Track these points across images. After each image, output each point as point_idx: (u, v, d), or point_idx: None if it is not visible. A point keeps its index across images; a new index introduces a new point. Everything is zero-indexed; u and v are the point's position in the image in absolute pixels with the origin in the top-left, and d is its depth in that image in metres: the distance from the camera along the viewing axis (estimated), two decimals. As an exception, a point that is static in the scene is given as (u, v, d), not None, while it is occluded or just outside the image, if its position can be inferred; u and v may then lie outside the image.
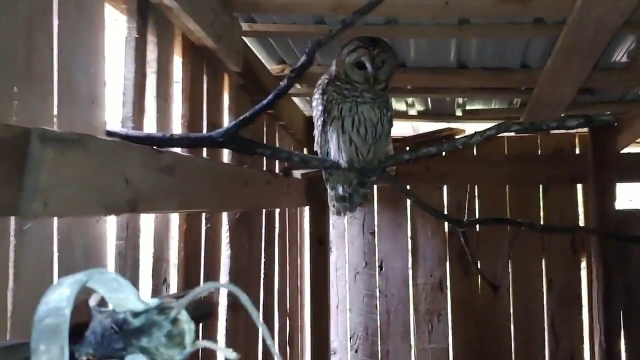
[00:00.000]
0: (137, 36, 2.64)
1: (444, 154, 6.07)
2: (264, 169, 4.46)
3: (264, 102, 2.34)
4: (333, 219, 6.27)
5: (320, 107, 2.64)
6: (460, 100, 5.35)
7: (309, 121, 6.02)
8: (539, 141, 6.15)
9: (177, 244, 3.08)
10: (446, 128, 6.06)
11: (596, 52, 3.54)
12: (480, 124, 5.90)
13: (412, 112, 5.76)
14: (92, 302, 0.70)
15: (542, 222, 6.07)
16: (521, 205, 6.06)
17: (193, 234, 3.13)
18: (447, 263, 6.14)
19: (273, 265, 4.72)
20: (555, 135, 6.11)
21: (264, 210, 4.45)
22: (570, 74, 3.90)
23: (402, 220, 6.23)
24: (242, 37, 3.82)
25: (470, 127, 6.14)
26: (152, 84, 2.82)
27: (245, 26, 3.69)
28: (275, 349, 0.77)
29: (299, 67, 2.33)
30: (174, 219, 3.03)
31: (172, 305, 0.68)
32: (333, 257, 6.24)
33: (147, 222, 2.76)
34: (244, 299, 0.73)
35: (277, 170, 4.68)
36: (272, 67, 4.53)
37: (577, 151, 6.16)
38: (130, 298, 0.68)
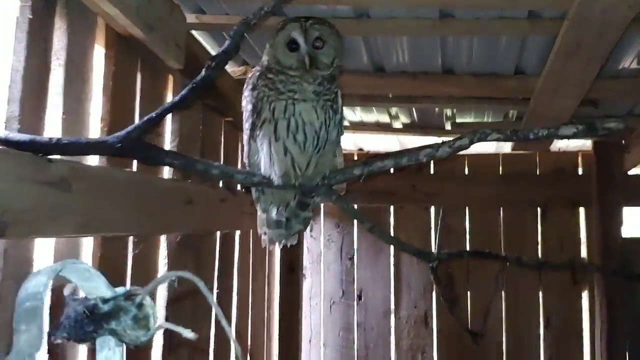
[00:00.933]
0: (30, 17, 2.17)
1: (431, 170, 5.62)
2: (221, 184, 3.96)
3: (176, 99, 1.87)
4: (307, 241, 5.78)
5: (249, 107, 2.16)
6: (449, 112, 4.91)
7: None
8: (537, 159, 5.68)
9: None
10: (435, 143, 5.53)
11: (601, 54, 3.08)
12: (472, 139, 5.44)
13: (397, 124, 5.34)
14: (66, 291, 0.79)
15: (539, 249, 5.58)
16: (516, 229, 5.58)
17: (112, 262, 2.63)
18: (434, 293, 5.62)
19: (230, 298, 4.21)
20: (556, 152, 5.64)
21: (218, 233, 3.94)
22: (571, 82, 3.45)
23: (384, 244, 5.72)
24: (191, 31, 3.35)
25: (461, 143, 5.69)
26: (59, 79, 2.35)
27: (192, 17, 3.22)
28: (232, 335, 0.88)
29: (220, 55, 1.85)
30: (87, 243, 2.54)
31: (138, 292, 0.78)
32: (307, 285, 5.74)
33: (47, 247, 2.29)
34: (201, 285, 0.84)
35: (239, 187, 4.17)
36: (234, 69, 4.06)
37: (580, 171, 5.67)
38: (100, 286, 0.78)
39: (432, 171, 5.74)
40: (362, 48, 3.61)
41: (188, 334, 0.78)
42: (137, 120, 2.94)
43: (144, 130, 1.85)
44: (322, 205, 5.87)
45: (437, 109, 4.92)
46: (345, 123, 5.37)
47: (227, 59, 1.85)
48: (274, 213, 2.33)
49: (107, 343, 0.77)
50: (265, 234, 2.40)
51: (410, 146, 5.86)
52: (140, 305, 0.77)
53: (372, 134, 5.64)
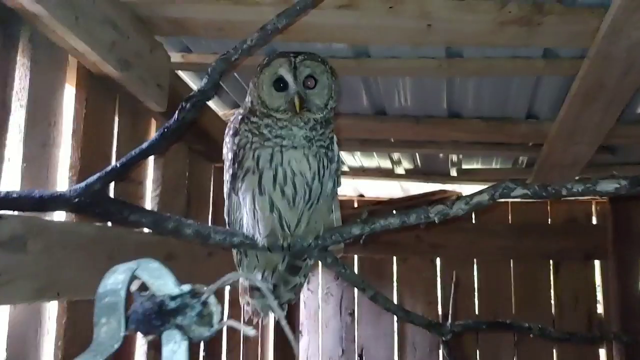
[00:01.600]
0: (-16, 53, 1.95)
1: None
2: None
3: (145, 145, 1.61)
4: (304, 295, 5.46)
5: (230, 155, 1.89)
6: (455, 158, 4.66)
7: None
8: (548, 208, 5.41)
9: (54, 343, 2.30)
10: (439, 190, 5.43)
11: (624, 97, 2.85)
12: (480, 186, 5.18)
13: (399, 170, 5.11)
14: (134, 287, 0.83)
15: (553, 304, 5.26)
16: (528, 283, 5.29)
17: (80, 327, 2.34)
18: (440, 352, 5.28)
19: (219, 356, 3.89)
20: (568, 201, 5.37)
21: (204, 289, 3.64)
22: (589, 127, 3.21)
23: (388, 296, 5.38)
24: (177, 71, 3.13)
25: (468, 190, 5.44)
26: (19, 122, 2.11)
27: (177, 57, 2.99)
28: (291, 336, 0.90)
29: (196, 95, 1.60)
30: (51, 307, 2.27)
31: (203, 291, 0.82)
32: (303, 343, 5.41)
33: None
34: (263, 287, 0.95)
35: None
36: (224, 111, 3.83)
37: (594, 221, 5.40)
38: (168, 284, 0.83)
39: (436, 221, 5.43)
40: (361, 89, 3.39)
41: (249, 331, 0.85)
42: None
43: (106, 182, 1.59)
44: (320, 256, 5.55)
45: (441, 155, 4.68)
46: (345, 168, 5.15)
47: (204, 99, 1.61)
48: (259, 279, 2.02)
49: (172, 337, 0.81)
50: (248, 304, 2.10)
51: (413, 192, 5.61)
52: (204, 303, 0.82)
53: (374, 180, 5.41)
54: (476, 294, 5.29)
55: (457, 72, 2.98)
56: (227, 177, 1.91)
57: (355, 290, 5.40)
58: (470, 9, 2.40)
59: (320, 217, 1.91)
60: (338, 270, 1.86)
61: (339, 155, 1.96)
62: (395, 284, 5.43)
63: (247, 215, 1.85)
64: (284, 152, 1.79)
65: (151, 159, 3.11)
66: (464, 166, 4.87)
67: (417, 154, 4.65)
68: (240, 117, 1.89)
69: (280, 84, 1.85)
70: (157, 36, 2.74)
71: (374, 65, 2.96)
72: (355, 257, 5.54)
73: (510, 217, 5.35)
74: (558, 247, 5.23)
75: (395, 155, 4.73)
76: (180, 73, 3.22)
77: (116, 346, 0.78)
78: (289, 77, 1.85)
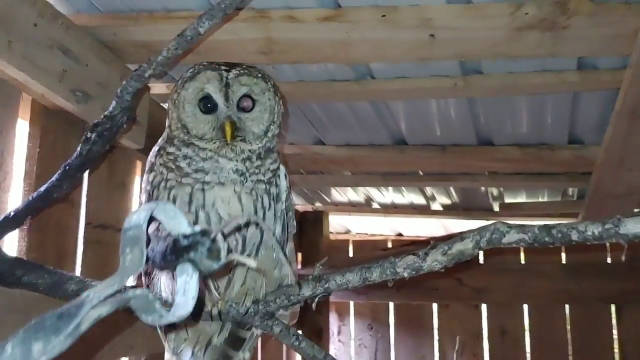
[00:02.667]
0: None
1: (480, 260, 4.90)
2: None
3: (43, 188, 1.30)
4: (334, 346, 5.06)
5: (144, 197, 1.55)
6: (495, 191, 4.24)
7: (302, 218, 4.99)
8: (607, 245, 4.84)
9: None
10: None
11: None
12: (526, 221, 4.73)
13: (435, 206, 4.73)
14: (151, 229, 0.91)
15: (616, 354, 4.68)
16: (586, 330, 4.75)
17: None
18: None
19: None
20: (629, 236, 4.81)
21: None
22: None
23: (427, 349, 4.97)
24: (163, 104, 2.86)
25: (514, 227, 4.99)
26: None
27: (161, 87, 2.72)
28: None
29: (103, 123, 1.28)
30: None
31: (212, 230, 0.89)
32: (334, 399, 4.95)
33: None
34: (265, 227, 1.20)
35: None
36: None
37: (661, 258, 4.81)
38: (182, 224, 0.91)
39: (480, 261, 4.98)
40: (373, 117, 3.03)
41: (251, 263, 0.95)
42: (83, 217, 2.43)
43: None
44: (351, 302, 5.18)
45: (482, 188, 4.27)
46: (375, 205, 4.79)
47: (113, 126, 1.30)
48: (187, 357, 1.61)
49: (185, 270, 0.89)
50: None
51: (455, 231, 5.19)
52: (213, 241, 0.89)
53: (411, 218, 5.04)
54: (527, 343, 4.77)
55: (476, 91, 2.61)
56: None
57: (392, 340, 4.99)
58: (478, 13, 2.04)
59: (263, 273, 1.53)
60: (290, 342, 1.48)
61: (289, 192, 1.60)
62: (435, 333, 4.98)
63: (165, 276, 1.51)
64: (206, 190, 1.45)
65: (135, 201, 2.82)
66: (507, 200, 4.51)
67: (451, 188, 4.25)
68: (157, 147, 1.57)
69: (207, 104, 1.52)
70: (130, 64, 2.47)
71: (378, 87, 2.61)
72: (391, 304, 5.12)
73: (563, 256, 4.84)
74: (620, 288, 4.69)
75: (428, 190, 4.36)
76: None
77: (138, 271, 0.88)
78: (218, 97, 1.51)
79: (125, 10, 2.24)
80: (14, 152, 2.07)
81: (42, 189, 1.34)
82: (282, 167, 1.59)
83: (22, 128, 2.17)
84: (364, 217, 5.17)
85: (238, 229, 1.39)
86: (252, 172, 1.49)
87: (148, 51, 2.34)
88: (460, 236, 1.24)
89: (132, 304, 0.82)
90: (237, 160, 1.48)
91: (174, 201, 1.44)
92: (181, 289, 0.87)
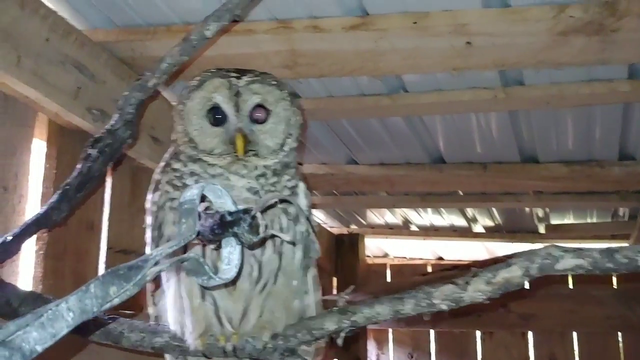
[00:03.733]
0: None
1: (526, 285, 4.66)
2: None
3: (41, 211, 1.19)
4: (373, 376, 4.88)
5: (149, 219, 1.43)
6: (540, 212, 4.04)
7: (337, 241, 4.87)
8: (663, 268, 4.58)
9: None
10: (529, 250, 4.65)
11: None
12: (574, 243, 4.52)
13: (477, 228, 4.56)
14: (201, 208, 1.03)
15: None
16: (642, 359, 4.45)
17: None
18: None
19: None
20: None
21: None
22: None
23: (472, 378, 4.74)
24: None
25: (562, 249, 4.77)
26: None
27: (182, 105, 2.62)
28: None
29: (104, 138, 1.18)
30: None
31: (252, 208, 1.04)
32: None
33: None
34: (295, 202, 1.26)
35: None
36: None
37: None
38: (227, 202, 1.07)
39: (527, 286, 4.75)
40: (407, 133, 2.89)
41: (286, 237, 1.20)
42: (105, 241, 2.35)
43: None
44: (390, 329, 4.99)
45: (527, 209, 4.08)
46: (413, 228, 4.62)
47: (115, 142, 1.18)
48: None
49: (229, 242, 1.04)
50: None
51: (499, 254, 4.98)
52: (254, 217, 1.03)
53: (452, 241, 4.86)
54: (578, 374, 4.51)
55: (518, 103, 2.45)
56: (148, 249, 1.45)
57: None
58: (517, 17, 1.89)
59: (281, 304, 1.39)
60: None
61: (309, 211, 1.45)
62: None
63: (172, 304, 1.38)
64: None
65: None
66: (553, 221, 4.31)
67: (494, 209, 4.07)
68: (163, 163, 1.45)
69: (216, 116, 1.40)
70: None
71: (412, 101, 2.48)
72: (432, 332, 4.92)
73: (615, 280, 4.59)
74: (678, 315, 4.39)
75: (469, 211, 4.19)
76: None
77: (192, 237, 0.98)
78: (228, 107, 1.38)
79: (143, 24, 2.16)
80: (30, 174, 2.01)
81: (40, 211, 1.24)
82: (301, 184, 1.45)
83: (39, 148, 2.11)
84: (402, 240, 5.02)
85: (270, 207, 1.31)
86: (267, 190, 1.36)
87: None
88: (506, 262, 1.08)
89: (185, 265, 0.97)
90: (250, 178, 1.36)
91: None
92: (226, 258, 1.04)
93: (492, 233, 4.66)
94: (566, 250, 1.04)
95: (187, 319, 1.34)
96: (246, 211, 1.03)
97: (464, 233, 4.69)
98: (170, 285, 1.37)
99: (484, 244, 5.13)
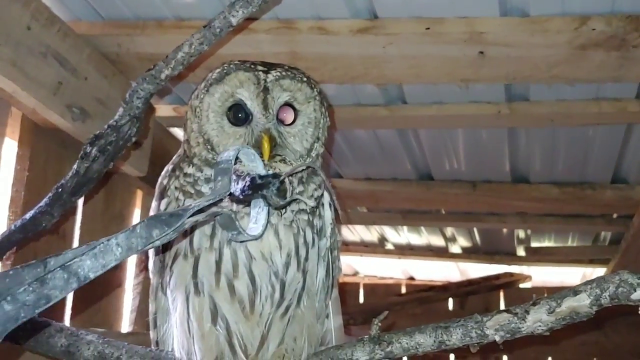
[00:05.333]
0: None
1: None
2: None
3: (29, 215, 1.05)
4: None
5: None
6: (522, 234, 3.98)
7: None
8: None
9: None
10: (505, 273, 4.81)
11: None
12: (554, 268, 4.49)
13: (455, 249, 4.52)
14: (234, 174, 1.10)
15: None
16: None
17: None
18: None
19: None
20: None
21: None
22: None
23: None
24: (169, 128, 2.63)
25: (539, 272, 4.73)
26: None
27: (167, 109, 2.48)
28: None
29: (107, 134, 1.04)
30: None
31: (281, 173, 1.12)
32: None
33: None
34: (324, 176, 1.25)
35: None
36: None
37: None
38: (258, 166, 1.14)
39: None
40: (399, 147, 2.79)
41: (310, 202, 1.19)
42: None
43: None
44: None
45: (505, 230, 4.02)
46: (389, 246, 4.53)
47: (120, 139, 1.05)
48: None
49: (258, 203, 1.10)
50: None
51: (474, 276, 4.92)
52: (282, 182, 1.09)
53: (425, 260, 4.77)
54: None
55: (522, 120, 2.39)
56: (151, 265, 1.31)
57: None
58: (537, 27, 1.82)
59: (305, 329, 1.25)
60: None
61: (334, 224, 1.33)
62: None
63: (179, 328, 1.23)
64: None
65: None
66: (533, 244, 4.26)
67: (474, 229, 4.00)
68: (171, 166, 1.30)
69: (238, 114, 1.26)
70: (134, 80, 2.23)
71: (411, 113, 2.39)
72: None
73: None
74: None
75: (449, 231, 4.11)
76: (175, 130, 2.70)
77: (226, 195, 1.04)
78: (254, 104, 1.25)
79: (131, 17, 2.02)
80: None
81: (28, 216, 1.09)
82: (326, 195, 1.32)
83: (9, 148, 1.94)
84: (375, 258, 4.91)
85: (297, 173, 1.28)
86: (291, 200, 1.22)
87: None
88: (572, 289, 0.97)
89: (218, 219, 1.05)
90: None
91: (192, 237, 1.19)
92: (254, 217, 1.10)
93: (468, 254, 4.61)
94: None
95: (196, 345, 1.20)
96: (275, 176, 1.09)
97: (440, 253, 4.62)
98: (176, 306, 1.22)
99: (457, 265, 5.07)
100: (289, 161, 1.25)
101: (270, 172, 1.12)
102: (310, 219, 1.25)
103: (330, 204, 1.31)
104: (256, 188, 1.08)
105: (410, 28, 1.87)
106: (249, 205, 1.13)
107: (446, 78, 2.07)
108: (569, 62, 1.90)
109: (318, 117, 1.30)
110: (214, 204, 1.01)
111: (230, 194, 1.06)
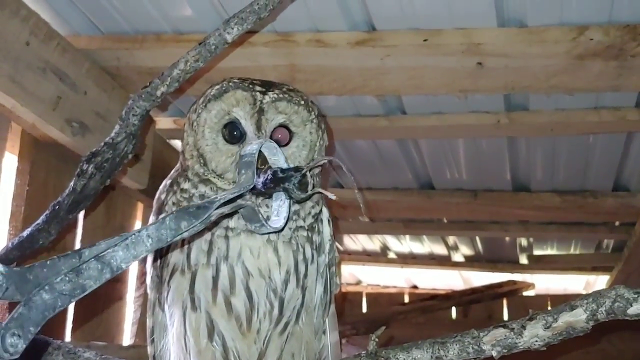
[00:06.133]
0: None
1: None
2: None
3: (28, 231, 1.05)
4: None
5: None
6: (524, 242, 3.97)
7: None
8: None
9: None
10: (508, 281, 4.79)
11: None
12: (557, 276, 4.48)
13: (457, 257, 4.51)
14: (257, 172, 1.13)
15: None
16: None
17: None
18: None
19: None
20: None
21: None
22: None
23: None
24: (169, 140, 2.63)
25: (542, 280, 4.72)
26: None
27: (167, 122, 2.48)
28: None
29: (103, 152, 1.05)
30: None
31: (303, 167, 1.15)
32: None
33: None
34: (344, 167, 1.20)
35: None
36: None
37: None
38: (281, 160, 1.17)
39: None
40: (399, 157, 2.79)
41: (331, 196, 1.14)
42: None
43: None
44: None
45: (507, 238, 4.01)
46: (391, 255, 4.52)
47: (117, 156, 1.05)
48: None
49: (280, 196, 1.14)
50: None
51: (477, 284, 4.91)
52: (304, 176, 1.12)
53: (428, 269, 4.77)
54: None
55: (522, 130, 2.38)
56: (149, 280, 1.30)
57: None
58: (535, 38, 1.82)
59: (303, 346, 1.25)
60: None
61: (332, 240, 1.32)
62: None
63: (175, 343, 1.23)
64: (230, 237, 1.18)
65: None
66: (536, 252, 4.25)
67: (477, 238, 3.99)
68: (169, 181, 1.30)
69: (233, 132, 1.25)
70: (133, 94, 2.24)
71: (410, 124, 2.39)
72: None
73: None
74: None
75: (451, 239, 4.10)
76: (176, 142, 2.70)
77: (250, 187, 1.08)
78: (248, 124, 1.24)
79: (130, 32, 2.03)
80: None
81: (25, 233, 1.09)
82: (324, 210, 1.32)
83: (9, 163, 1.95)
84: (377, 267, 4.90)
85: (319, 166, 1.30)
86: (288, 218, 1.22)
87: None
88: (568, 304, 0.97)
89: (242, 211, 1.07)
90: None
91: (189, 252, 1.19)
92: (275, 210, 1.14)
93: (471, 262, 4.60)
94: (639, 292, 0.93)
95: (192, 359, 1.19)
96: (297, 169, 1.13)
97: (443, 262, 4.61)
98: (174, 322, 1.22)
99: (460, 273, 5.06)
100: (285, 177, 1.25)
101: (292, 165, 1.18)
102: (310, 235, 1.24)
103: (328, 220, 1.31)
104: (278, 181, 1.12)
105: (408, 40, 1.87)
106: (270, 197, 1.15)
107: (445, 89, 2.06)
108: (568, 72, 1.90)
109: (314, 139, 1.30)
110: (239, 196, 1.04)
111: (253, 187, 1.09)
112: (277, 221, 1.11)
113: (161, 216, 0.91)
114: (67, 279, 0.77)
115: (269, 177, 1.12)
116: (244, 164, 1.11)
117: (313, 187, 1.13)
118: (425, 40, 1.85)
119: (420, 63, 1.93)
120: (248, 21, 1.10)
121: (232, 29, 1.12)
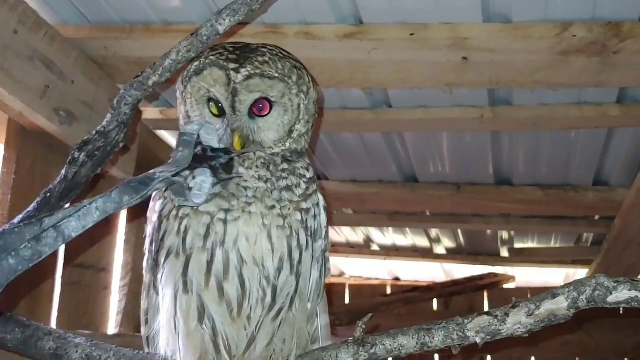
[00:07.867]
0: None
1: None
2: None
3: (12, 224, 1.05)
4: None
5: (149, 229, 1.29)
6: (505, 235, 4.02)
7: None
8: None
9: None
10: (489, 273, 4.83)
11: None
12: (537, 268, 4.52)
13: (439, 249, 4.54)
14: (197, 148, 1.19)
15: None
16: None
17: None
18: None
19: None
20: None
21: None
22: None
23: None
24: (155, 131, 2.63)
25: (522, 273, 4.77)
26: None
27: (154, 112, 2.48)
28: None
29: (94, 140, 1.05)
30: None
31: (233, 151, 1.21)
32: None
33: None
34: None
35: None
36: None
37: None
38: (214, 140, 1.22)
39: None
40: (384, 150, 2.81)
41: (249, 179, 1.23)
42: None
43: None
44: None
45: (489, 231, 4.05)
46: (374, 247, 4.54)
47: (108, 145, 1.06)
48: None
49: (205, 172, 1.18)
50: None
51: (458, 276, 4.95)
52: (232, 159, 1.19)
53: (410, 261, 4.79)
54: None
55: (505, 124, 2.41)
56: (145, 264, 1.32)
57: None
58: (519, 33, 1.84)
59: (294, 332, 1.26)
60: None
61: (326, 225, 1.34)
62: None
63: (165, 325, 1.24)
64: (229, 222, 1.19)
65: (120, 239, 2.57)
66: (517, 245, 4.29)
67: (459, 231, 4.03)
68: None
69: (218, 105, 1.28)
70: (121, 84, 2.24)
71: (396, 117, 2.41)
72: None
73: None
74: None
75: (433, 232, 4.14)
76: (162, 133, 2.70)
77: (186, 166, 1.13)
78: (225, 105, 1.27)
79: (118, 21, 2.03)
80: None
81: (16, 220, 1.09)
82: (320, 197, 1.33)
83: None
84: (360, 259, 4.93)
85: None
86: (278, 177, 1.25)
87: (142, 69, 2.11)
88: (551, 292, 1.00)
89: (172, 188, 1.13)
90: (257, 167, 1.25)
91: (185, 235, 1.21)
92: (198, 185, 1.16)
93: (453, 255, 4.62)
94: (618, 281, 0.96)
95: (181, 342, 1.21)
96: (227, 152, 1.19)
97: (425, 254, 4.63)
98: (165, 303, 1.23)
99: (442, 266, 5.09)
100: (268, 147, 1.30)
101: (222, 146, 1.22)
102: (305, 219, 1.25)
103: (324, 207, 1.33)
104: (206, 158, 1.17)
105: (395, 33, 1.89)
106: (193, 171, 1.18)
107: (430, 83, 2.09)
108: (551, 67, 1.93)
109: (296, 103, 1.30)
110: (177, 174, 1.11)
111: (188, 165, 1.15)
112: (198, 196, 1.15)
113: (109, 190, 0.98)
114: (29, 245, 0.85)
115: (199, 154, 1.17)
116: (183, 142, 1.16)
117: (237, 172, 1.19)
118: (412, 34, 1.87)
119: (406, 57, 1.95)
120: (240, 13, 1.11)
121: (224, 20, 1.13)
